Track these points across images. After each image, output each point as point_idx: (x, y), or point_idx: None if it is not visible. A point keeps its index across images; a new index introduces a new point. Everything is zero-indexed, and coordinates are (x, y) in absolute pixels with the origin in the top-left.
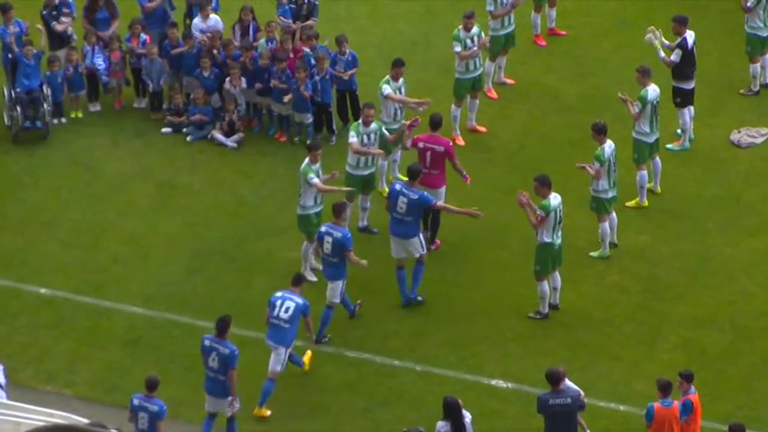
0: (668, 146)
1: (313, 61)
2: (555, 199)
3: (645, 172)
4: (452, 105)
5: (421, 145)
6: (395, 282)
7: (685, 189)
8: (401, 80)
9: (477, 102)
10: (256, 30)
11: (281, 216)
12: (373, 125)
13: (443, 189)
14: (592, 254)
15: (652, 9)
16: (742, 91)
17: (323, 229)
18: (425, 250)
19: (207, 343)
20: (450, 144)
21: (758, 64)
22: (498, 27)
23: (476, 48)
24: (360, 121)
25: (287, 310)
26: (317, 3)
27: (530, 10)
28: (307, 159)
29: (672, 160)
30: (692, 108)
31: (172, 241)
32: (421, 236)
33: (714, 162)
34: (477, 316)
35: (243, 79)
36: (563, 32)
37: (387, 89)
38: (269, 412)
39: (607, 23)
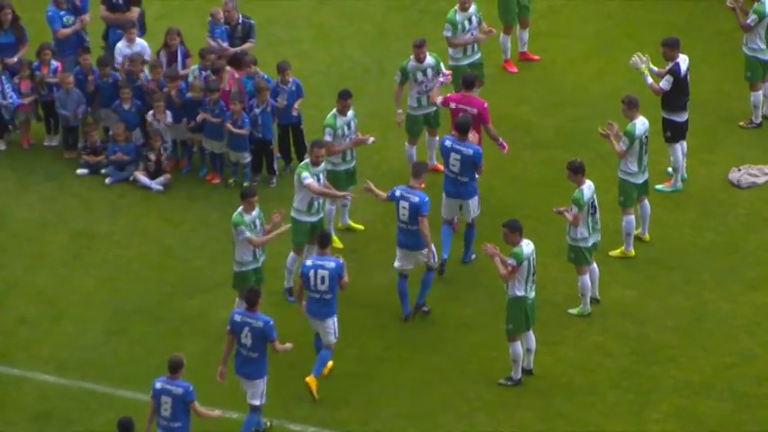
0: (658, 187)
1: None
2: (527, 246)
3: (632, 217)
4: (405, 143)
5: (453, 105)
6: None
7: (678, 236)
8: (350, 113)
9: (436, 139)
10: (185, 56)
11: (215, 269)
12: (323, 165)
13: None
14: (571, 311)
15: (638, 30)
16: (742, 123)
17: (397, 192)
18: (479, 212)
19: (238, 318)
20: (485, 106)
21: (760, 92)
22: (460, 56)
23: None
24: (308, 160)
25: (323, 280)
26: (253, 23)
27: (498, 31)
28: (240, 208)
29: (662, 203)
30: (684, 143)
31: (88, 299)
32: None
33: (710, 205)
34: (439, 382)
35: (168, 113)
36: (536, 57)
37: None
38: (315, 385)
39: (587, 47)
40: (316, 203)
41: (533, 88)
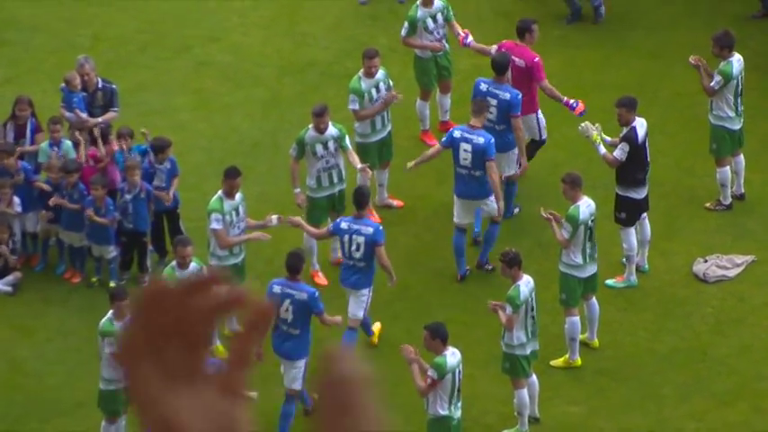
0: (609, 281)
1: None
2: (453, 356)
3: (576, 318)
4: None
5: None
6: None
7: (633, 341)
8: (238, 196)
9: (339, 221)
10: (36, 130)
11: (75, 387)
12: (193, 264)
13: (533, 118)
14: None
15: (583, 93)
16: (708, 205)
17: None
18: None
19: (277, 289)
20: (536, 60)
21: (727, 168)
22: (368, 131)
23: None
24: (174, 262)
25: (358, 247)
26: (115, 88)
27: (413, 98)
28: (109, 313)
29: (614, 301)
30: (647, 225)
31: None
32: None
33: (671, 303)
34: None
35: (16, 199)
36: None
37: (217, 221)
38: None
39: None
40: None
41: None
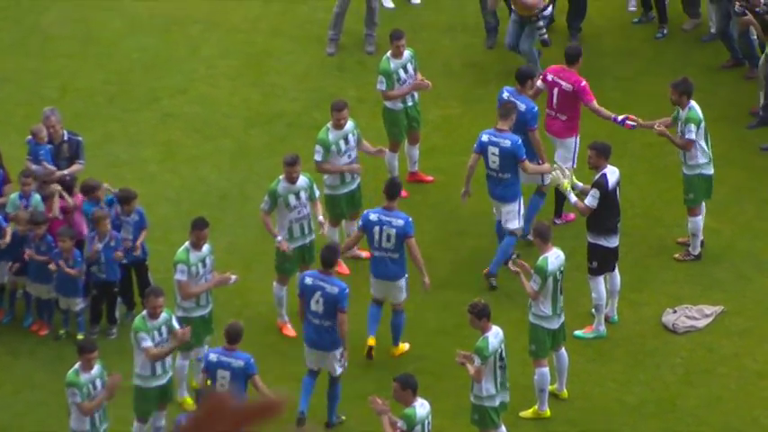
0: (578, 332)
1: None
2: (422, 408)
3: (545, 369)
4: (274, 283)
5: (549, 77)
6: None
7: (601, 392)
8: (205, 248)
9: (307, 273)
10: (4, 181)
11: None
12: (164, 315)
13: (572, 141)
14: None
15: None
16: (677, 255)
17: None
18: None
19: (309, 281)
20: (583, 84)
21: (700, 217)
22: (337, 183)
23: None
24: (144, 313)
25: (388, 238)
26: (81, 140)
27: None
28: (77, 365)
29: (583, 352)
30: (617, 276)
31: None
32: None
33: (640, 354)
34: None
35: None
36: (430, 178)
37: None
38: (407, 345)
39: None
40: (159, 367)
41: (426, 215)
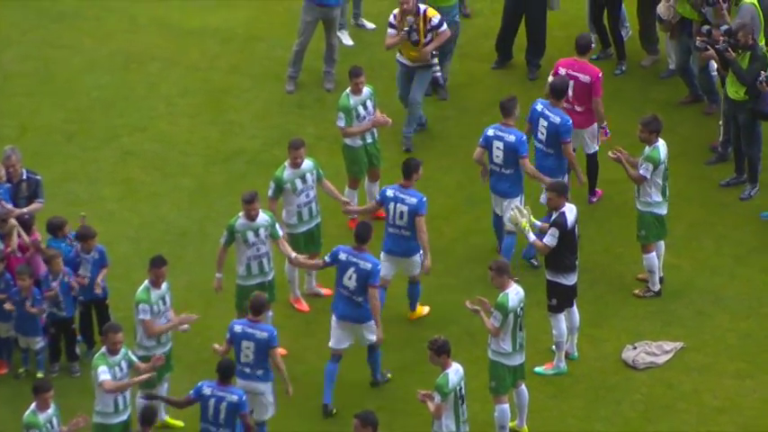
0: (538, 369)
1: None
2: None
3: (506, 406)
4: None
5: (562, 71)
6: None
7: (563, 428)
8: (164, 285)
9: (271, 313)
10: None
11: None
12: (122, 350)
13: (594, 127)
14: None
15: None
16: (637, 291)
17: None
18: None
19: (343, 256)
20: (600, 75)
21: (654, 254)
22: (294, 221)
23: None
24: (104, 349)
25: (401, 215)
26: (39, 179)
27: (342, 185)
28: (33, 405)
29: (543, 388)
30: (576, 313)
31: None
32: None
33: (601, 390)
34: None
35: None
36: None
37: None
38: (426, 309)
39: (450, 202)
40: (120, 402)
41: None
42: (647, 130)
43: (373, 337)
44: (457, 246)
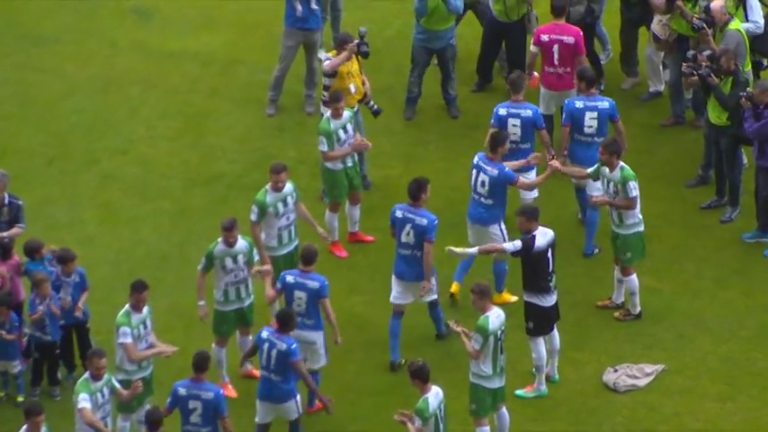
0: (518, 392)
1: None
2: None
3: (486, 428)
4: (213, 345)
5: (545, 38)
6: None
7: None
8: (145, 309)
9: (250, 338)
10: None
11: None
12: (106, 377)
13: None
14: None
15: None
16: (618, 314)
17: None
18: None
19: (399, 214)
20: (581, 34)
21: (635, 275)
22: (275, 244)
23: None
24: (87, 374)
25: (483, 183)
26: (21, 203)
27: (322, 210)
28: (23, 429)
29: (524, 411)
30: (556, 335)
31: None
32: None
33: (582, 413)
34: None
35: None
36: (370, 238)
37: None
38: (515, 298)
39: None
40: (101, 415)
41: (367, 275)
42: (607, 152)
43: (429, 296)
44: (442, 268)
